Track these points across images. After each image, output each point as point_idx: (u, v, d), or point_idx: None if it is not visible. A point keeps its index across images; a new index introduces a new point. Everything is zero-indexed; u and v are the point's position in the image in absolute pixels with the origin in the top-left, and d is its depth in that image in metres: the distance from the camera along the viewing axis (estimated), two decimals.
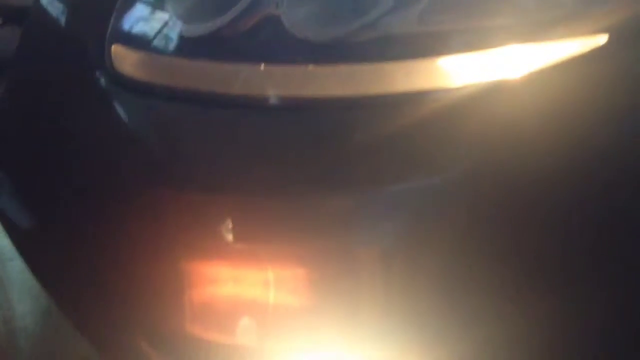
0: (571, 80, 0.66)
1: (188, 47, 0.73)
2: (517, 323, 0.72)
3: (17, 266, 1.01)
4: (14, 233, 0.86)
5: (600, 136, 0.67)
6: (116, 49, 0.77)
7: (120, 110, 0.77)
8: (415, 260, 0.69)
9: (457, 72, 0.67)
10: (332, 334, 0.71)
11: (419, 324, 0.71)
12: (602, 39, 0.65)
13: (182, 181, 0.72)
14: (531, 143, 0.67)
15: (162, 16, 0.75)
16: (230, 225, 0.70)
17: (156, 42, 0.75)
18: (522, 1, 0.66)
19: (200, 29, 0.72)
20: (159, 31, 0.75)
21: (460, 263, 0.69)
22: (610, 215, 0.70)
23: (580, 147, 0.67)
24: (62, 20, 0.86)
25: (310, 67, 0.68)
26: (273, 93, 0.71)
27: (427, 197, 0.68)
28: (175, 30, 0.73)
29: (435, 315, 0.71)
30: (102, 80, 0.78)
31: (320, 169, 0.69)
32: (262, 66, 0.70)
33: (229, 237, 0.70)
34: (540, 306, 0.72)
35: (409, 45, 0.67)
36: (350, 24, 0.67)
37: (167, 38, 0.74)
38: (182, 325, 0.73)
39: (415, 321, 0.71)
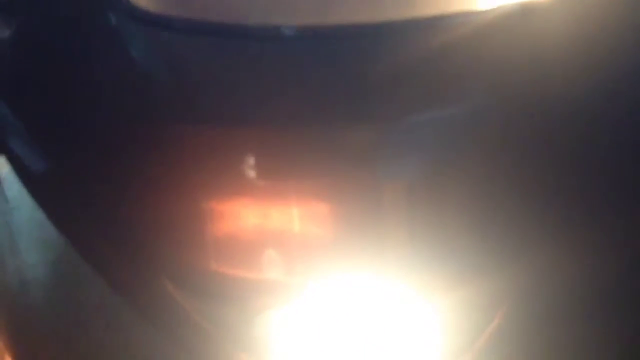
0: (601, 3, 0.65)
1: None
2: (542, 255, 0.72)
3: (24, 215, 0.99)
4: (27, 177, 0.85)
5: (630, 58, 0.66)
6: None
7: (136, 45, 0.76)
8: (440, 191, 0.68)
9: None
10: (356, 266, 0.71)
11: (443, 256, 0.70)
12: None
13: (202, 115, 0.71)
14: (559, 67, 0.66)
15: None
16: (252, 159, 0.69)
17: None
18: None
19: None
20: None
21: (486, 193, 0.69)
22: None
23: (609, 69, 0.66)
24: None
25: None
26: (294, 21, 0.70)
27: (453, 126, 0.67)
28: None
29: (459, 247, 0.70)
30: (117, 15, 0.76)
31: (344, 99, 0.68)
32: None
33: (252, 171, 0.69)
34: (566, 240, 0.72)
35: None
36: None
37: None
38: (206, 261, 0.72)
39: (439, 254, 0.70)
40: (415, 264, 0.70)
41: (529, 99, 0.66)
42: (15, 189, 0.91)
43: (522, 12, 0.65)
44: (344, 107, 0.67)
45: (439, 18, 0.66)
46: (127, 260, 0.77)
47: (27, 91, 0.83)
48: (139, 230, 0.75)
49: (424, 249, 0.69)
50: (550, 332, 0.75)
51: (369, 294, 0.71)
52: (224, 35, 0.71)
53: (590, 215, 0.71)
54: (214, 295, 0.73)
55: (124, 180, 0.74)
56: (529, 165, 0.68)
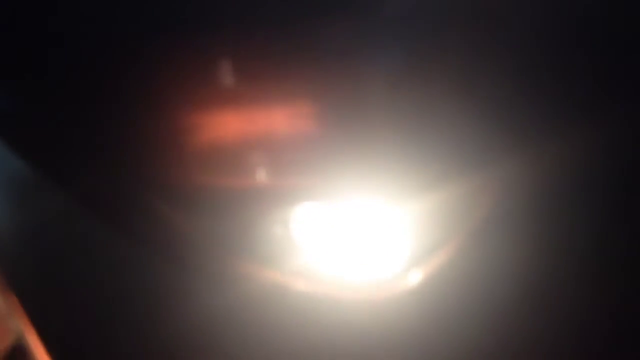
0: None
1: None
2: (528, 148, 0.73)
3: None
4: None
5: None
6: None
7: None
8: (421, 84, 0.69)
9: None
10: (343, 166, 0.71)
11: (428, 152, 0.71)
12: None
13: (174, 23, 0.70)
14: None
15: None
16: (229, 63, 0.69)
17: None
18: None
19: None
20: None
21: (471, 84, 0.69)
22: None
23: None
24: None
25: None
26: None
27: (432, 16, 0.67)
28: None
29: (446, 140, 0.71)
30: None
31: None
32: None
33: (230, 75, 0.69)
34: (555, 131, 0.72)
35: None
36: None
37: None
38: (193, 173, 0.73)
39: (424, 150, 0.71)
40: (400, 161, 0.71)
41: None
42: None
43: None
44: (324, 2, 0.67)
45: None
46: (112, 183, 0.77)
47: None
48: (122, 150, 0.75)
49: (409, 145, 0.70)
50: (536, 228, 0.76)
51: (355, 195, 0.72)
52: None
53: (580, 107, 0.72)
54: (204, 207, 0.74)
55: (101, 98, 0.74)
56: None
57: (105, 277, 0.79)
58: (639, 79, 0.71)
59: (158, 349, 0.77)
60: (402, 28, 0.68)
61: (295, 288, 0.73)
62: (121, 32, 0.72)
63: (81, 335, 0.82)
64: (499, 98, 0.70)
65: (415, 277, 0.73)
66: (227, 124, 0.71)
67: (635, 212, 0.75)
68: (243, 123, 0.71)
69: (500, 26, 0.67)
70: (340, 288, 0.74)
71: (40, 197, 0.85)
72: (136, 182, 0.75)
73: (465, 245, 0.73)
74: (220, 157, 0.72)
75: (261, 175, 0.71)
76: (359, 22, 0.67)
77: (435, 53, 0.68)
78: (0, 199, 0.88)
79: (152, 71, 0.71)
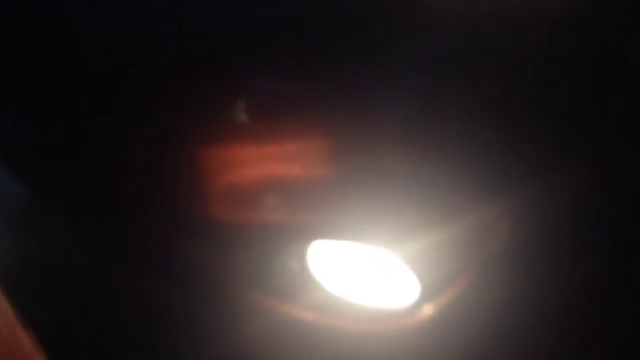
0: None
1: None
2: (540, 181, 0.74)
3: None
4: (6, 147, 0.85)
5: None
6: None
7: None
8: (432, 123, 0.71)
9: None
10: (357, 203, 0.73)
11: (441, 185, 0.73)
12: None
13: (194, 64, 0.73)
14: None
15: None
16: (247, 102, 0.71)
17: None
18: None
19: None
20: None
21: (475, 127, 0.71)
22: None
23: None
24: None
25: None
26: None
27: (442, 64, 0.69)
28: None
29: (457, 175, 0.72)
30: None
31: (333, 36, 0.70)
32: None
33: (247, 113, 0.71)
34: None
35: None
36: None
37: None
38: (210, 207, 0.74)
39: (438, 182, 0.72)
40: (414, 194, 0.72)
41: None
42: None
43: None
44: (339, 43, 0.69)
45: None
46: (131, 218, 0.79)
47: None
48: (143, 183, 0.77)
49: (422, 179, 0.72)
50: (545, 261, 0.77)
51: (368, 230, 0.74)
52: None
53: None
54: (221, 242, 0.76)
55: (124, 133, 0.76)
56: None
57: (118, 307, 0.81)
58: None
59: None
60: (413, 70, 0.69)
61: (310, 321, 0.75)
62: (141, 72, 0.74)
63: None
64: (506, 136, 0.71)
65: (427, 310, 0.75)
66: (244, 161, 0.73)
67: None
68: (260, 160, 0.72)
69: (505, 71, 0.69)
70: (354, 321, 0.75)
71: (48, 225, 0.87)
72: (155, 217, 0.77)
73: (477, 278, 0.74)
74: (238, 193, 0.74)
75: (277, 212, 0.73)
76: (373, 64, 0.69)
77: (445, 95, 0.70)
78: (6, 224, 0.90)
79: (170, 110, 0.73)
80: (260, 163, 0.73)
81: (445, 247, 0.74)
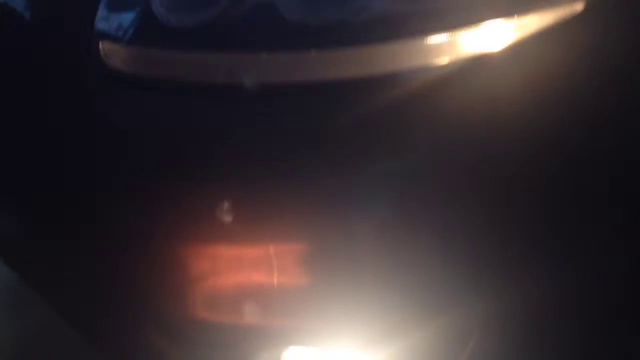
0: (549, 50, 0.70)
1: (180, 38, 0.75)
2: (511, 285, 0.76)
3: None
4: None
5: (579, 106, 0.70)
6: (104, 44, 0.78)
7: (111, 104, 0.78)
8: (407, 231, 0.72)
9: (441, 50, 0.70)
10: (336, 308, 0.74)
11: (415, 292, 0.74)
12: (578, 6, 0.69)
13: (179, 170, 0.74)
14: (512, 115, 0.70)
15: (150, 8, 0.76)
16: (229, 209, 0.72)
17: (146, 35, 0.77)
18: None
19: (191, 19, 0.74)
20: (148, 23, 0.76)
21: (448, 233, 0.72)
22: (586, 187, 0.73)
23: (559, 117, 0.70)
24: (42, 14, 0.86)
25: (306, 51, 0.71)
26: (266, 80, 0.73)
27: (414, 173, 0.71)
28: (165, 22, 0.75)
29: (430, 281, 0.73)
30: (92, 75, 0.78)
31: (315, 150, 0.71)
32: (256, 53, 0.72)
33: (230, 220, 0.72)
34: (531, 275, 0.76)
35: (396, 25, 0.70)
36: (344, 6, 0.69)
37: (157, 30, 0.76)
38: (190, 309, 0.75)
39: (412, 290, 0.74)
40: (389, 300, 0.73)
41: (483, 147, 0.70)
42: None
43: (474, 66, 0.70)
44: (314, 158, 0.71)
45: (397, 74, 0.70)
46: (110, 314, 0.79)
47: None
48: (123, 283, 0.77)
49: (397, 286, 0.73)
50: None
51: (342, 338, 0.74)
52: (199, 93, 0.74)
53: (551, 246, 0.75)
54: (198, 342, 0.76)
55: (108, 233, 0.76)
56: (485, 207, 0.72)
57: None
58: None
59: None
60: (388, 182, 0.71)
61: None
62: (127, 174, 0.75)
63: None
64: (478, 245, 0.73)
65: None
66: (223, 264, 0.74)
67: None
68: (239, 264, 0.73)
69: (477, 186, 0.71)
70: None
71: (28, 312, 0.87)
72: (133, 314, 0.77)
73: None
74: (215, 295, 0.74)
75: (254, 316, 0.74)
76: (350, 176, 0.71)
77: (419, 205, 0.71)
78: None
79: (151, 211, 0.74)
80: (239, 266, 0.73)
81: (420, 352, 0.76)
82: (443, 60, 0.69)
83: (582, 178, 0.72)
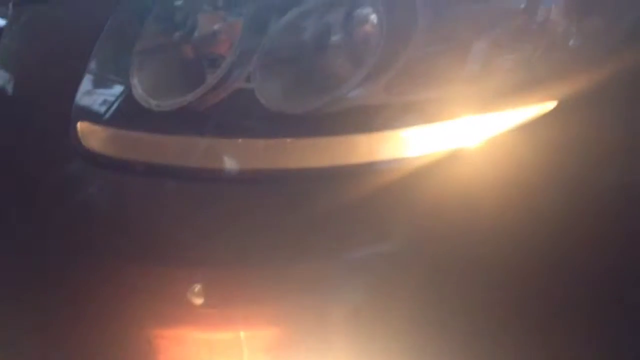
0: (523, 146, 0.71)
1: (159, 122, 0.75)
2: None
3: None
4: None
5: (550, 201, 0.71)
6: (83, 126, 0.79)
7: (89, 186, 0.78)
8: (381, 318, 0.71)
9: (418, 142, 0.71)
10: None
11: None
12: (550, 105, 0.71)
13: (152, 253, 0.73)
14: (485, 208, 0.70)
15: (130, 91, 0.77)
16: (201, 292, 0.70)
17: (125, 118, 0.77)
18: (475, 72, 0.72)
19: (170, 103, 0.75)
20: (128, 106, 0.77)
21: (421, 321, 0.71)
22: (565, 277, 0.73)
23: (531, 210, 0.71)
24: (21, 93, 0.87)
25: (283, 139, 0.71)
26: (242, 165, 0.73)
27: (388, 262, 0.71)
28: (145, 105, 0.76)
29: None
30: (69, 157, 0.79)
31: (287, 236, 0.71)
32: (233, 139, 0.73)
33: (201, 302, 0.70)
34: None
35: (373, 116, 0.71)
36: (322, 96, 0.71)
37: (137, 113, 0.76)
38: None
39: None
40: None
41: (457, 237, 0.70)
42: None
43: (449, 158, 0.70)
44: (290, 244, 0.70)
45: (373, 164, 0.71)
46: None
47: None
48: None
49: None
50: None
51: None
52: (177, 177, 0.74)
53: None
54: None
55: (75, 314, 0.74)
56: (458, 296, 0.71)
57: None
58: None
59: None
60: (362, 270, 0.71)
61: None
62: (104, 255, 0.74)
63: None
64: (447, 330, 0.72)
65: None
66: (193, 347, 0.72)
67: None
68: (209, 347, 0.71)
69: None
70: None
71: None
72: None
73: None
74: None
75: None
76: (325, 263, 0.70)
77: (393, 293, 0.70)
78: None
79: (125, 293, 0.72)
80: (210, 350, 0.71)
81: None
82: (415, 153, 0.70)
83: (552, 274, 0.71)
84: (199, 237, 0.72)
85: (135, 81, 0.77)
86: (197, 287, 0.70)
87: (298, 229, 0.71)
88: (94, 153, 0.78)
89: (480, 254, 0.69)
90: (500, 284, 0.71)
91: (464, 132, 0.70)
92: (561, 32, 0.70)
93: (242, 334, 0.70)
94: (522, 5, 0.71)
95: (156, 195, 0.75)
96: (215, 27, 0.77)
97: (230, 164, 0.73)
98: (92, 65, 0.80)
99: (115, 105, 0.78)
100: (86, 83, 0.80)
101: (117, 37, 0.80)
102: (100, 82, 0.80)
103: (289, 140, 0.71)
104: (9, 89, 0.88)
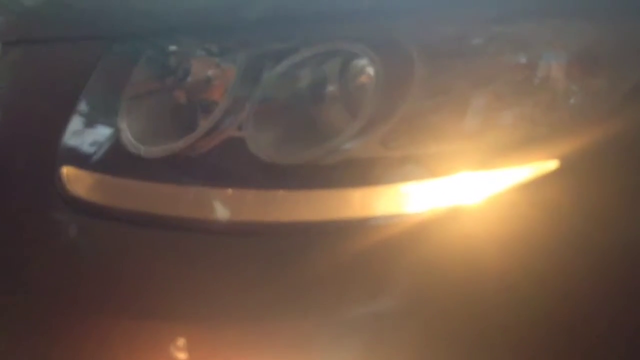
0: (522, 204, 0.69)
1: (147, 169, 0.73)
2: None
3: None
4: None
5: (550, 260, 0.69)
6: (68, 170, 0.77)
7: (72, 234, 0.76)
8: None
9: (415, 198, 0.69)
10: None
11: None
12: (550, 163, 0.69)
13: (134, 308, 0.70)
14: (483, 267, 0.68)
15: (118, 136, 0.75)
16: (184, 348, 0.68)
17: (112, 164, 0.75)
18: (474, 127, 0.70)
19: (159, 149, 0.73)
20: (115, 152, 0.75)
21: None
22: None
23: (530, 270, 0.69)
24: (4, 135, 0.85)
25: (275, 191, 0.69)
26: (232, 217, 0.71)
27: (383, 321, 0.68)
28: (134, 151, 0.74)
29: None
30: (53, 202, 0.76)
31: (276, 292, 0.69)
32: (223, 189, 0.71)
33: (185, 358, 0.68)
34: None
35: (369, 170, 0.69)
36: (316, 147, 0.69)
37: (125, 159, 0.74)
38: None
39: None
40: None
41: (454, 296, 0.68)
42: None
43: (448, 215, 0.68)
44: (279, 300, 0.68)
45: (368, 219, 0.69)
46: None
47: None
48: None
49: None
50: None
51: None
52: (166, 227, 0.72)
53: None
54: None
55: None
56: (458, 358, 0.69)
57: None
58: None
59: None
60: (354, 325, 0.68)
61: None
62: (86, 309, 0.71)
63: None
64: None
65: None
66: None
67: None
68: None
69: None
70: None
71: None
72: None
73: None
74: None
75: None
76: (318, 320, 0.68)
77: (391, 350, 0.68)
78: None
79: (107, 345, 0.70)
80: None
81: None
82: (412, 209, 0.68)
83: (552, 333, 0.69)
84: (185, 290, 0.70)
85: (123, 126, 0.75)
86: (181, 341, 0.68)
87: (288, 285, 0.68)
88: (78, 199, 0.75)
89: (477, 314, 0.67)
90: (499, 344, 0.69)
91: (462, 189, 0.68)
92: (562, 89, 0.69)
93: None
94: (524, 60, 0.69)
95: (140, 246, 0.72)
96: (209, 73, 0.75)
97: (219, 214, 0.71)
98: (80, 108, 0.78)
99: (103, 149, 0.76)
100: (73, 126, 0.78)
101: (107, 80, 0.78)
102: (88, 126, 0.78)
103: (280, 192, 0.69)
104: None
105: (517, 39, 0.69)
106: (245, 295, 0.68)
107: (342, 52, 0.71)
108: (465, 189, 0.68)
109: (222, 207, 0.71)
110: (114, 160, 0.75)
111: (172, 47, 0.77)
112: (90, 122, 0.79)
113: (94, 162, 0.76)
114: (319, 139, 0.69)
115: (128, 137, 0.74)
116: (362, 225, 0.68)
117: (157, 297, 0.70)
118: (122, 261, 0.72)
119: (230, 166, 0.71)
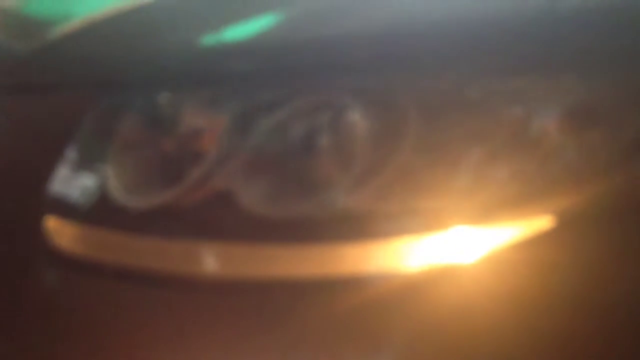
0: (519, 264, 0.68)
1: (134, 220, 0.71)
2: None
3: None
4: None
5: (547, 319, 0.67)
6: (52, 221, 0.75)
7: (56, 288, 0.74)
8: None
9: (408, 254, 0.68)
10: None
11: None
12: (545, 220, 0.68)
13: None
14: (477, 326, 0.67)
15: (106, 186, 0.73)
16: None
17: (99, 215, 0.73)
18: (469, 183, 0.69)
19: (147, 201, 0.71)
20: (102, 203, 0.73)
21: None
22: None
23: (528, 331, 0.67)
24: None
25: (265, 245, 0.68)
26: (221, 272, 0.70)
27: None
28: (122, 202, 0.72)
29: None
30: (35, 255, 0.74)
31: (266, 350, 0.67)
32: (212, 243, 0.69)
33: None
34: None
35: (361, 224, 0.68)
36: (307, 201, 0.68)
37: (112, 210, 0.72)
38: None
39: None
40: None
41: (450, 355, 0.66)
42: None
43: (442, 273, 0.67)
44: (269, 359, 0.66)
45: (360, 274, 0.67)
46: None
47: None
48: None
49: None
50: None
51: None
52: (153, 282, 0.70)
53: None
54: None
55: None
56: None
57: None
58: None
59: None
60: None
61: None
62: None
63: None
64: None
65: None
66: None
67: None
68: None
69: None
70: None
71: None
72: None
73: None
74: None
75: None
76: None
77: None
78: None
79: None
80: None
81: None
82: (406, 265, 0.66)
83: None
84: (172, 346, 0.68)
85: (111, 175, 0.74)
86: None
87: (278, 342, 0.66)
88: (62, 251, 0.73)
89: None
90: None
91: (456, 245, 0.67)
92: (557, 145, 0.68)
93: None
94: (518, 115, 0.69)
95: (126, 301, 0.70)
96: (199, 123, 0.74)
97: (207, 269, 0.69)
98: (67, 158, 0.76)
99: (89, 200, 0.74)
100: (58, 176, 0.76)
101: (96, 130, 0.77)
102: (74, 176, 0.76)
103: (271, 246, 0.67)
104: None
105: (511, 94, 0.69)
106: (235, 353, 0.66)
107: (335, 103, 0.70)
108: (459, 245, 0.67)
109: (211, 261, 0.70)
110: (100, 211, 0.73)
111: (163, 97, 0.76)
112: (76, 172, 0.77)
113: (79, 213, 0.74)
114: (311, 192, 0.67)
115: (116, 188, 0.72)
116: (353, 282, 0.66)
117: (143, 354, 0.68)
118: (105, 317, 0.70)
119: (219, 219, 0.70)
